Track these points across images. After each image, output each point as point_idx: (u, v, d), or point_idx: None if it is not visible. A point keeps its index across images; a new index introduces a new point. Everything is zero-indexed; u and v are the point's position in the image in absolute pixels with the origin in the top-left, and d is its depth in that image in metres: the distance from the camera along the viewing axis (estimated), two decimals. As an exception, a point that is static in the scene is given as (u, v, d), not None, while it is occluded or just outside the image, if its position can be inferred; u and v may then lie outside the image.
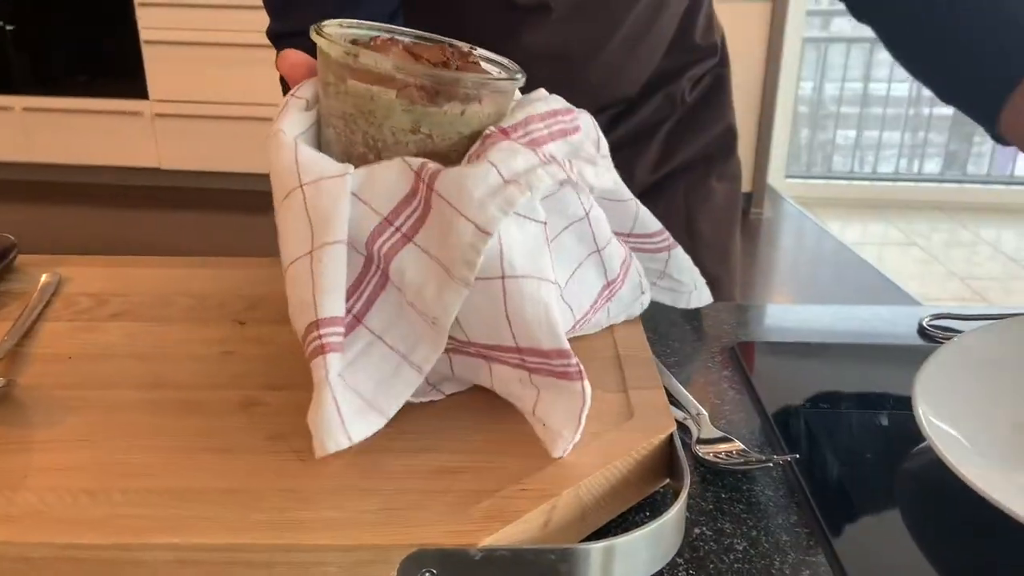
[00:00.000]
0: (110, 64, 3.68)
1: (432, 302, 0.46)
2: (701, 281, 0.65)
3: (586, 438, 0.47)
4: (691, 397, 0.57)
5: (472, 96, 0.48)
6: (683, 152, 0.88)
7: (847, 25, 4.13)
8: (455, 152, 0.49)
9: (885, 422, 0.56)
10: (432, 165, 0.46)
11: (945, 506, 0.48)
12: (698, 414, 0.56)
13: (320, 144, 0.51)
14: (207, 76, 3.54)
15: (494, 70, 0.53)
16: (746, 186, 3.74)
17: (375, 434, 0.46)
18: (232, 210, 3.61)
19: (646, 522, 0.43)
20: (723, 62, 0.88)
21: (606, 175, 0.53)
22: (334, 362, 0.46)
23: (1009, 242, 3.64)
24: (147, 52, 3.57)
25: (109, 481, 0.44)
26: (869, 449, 0.53)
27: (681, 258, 0.62)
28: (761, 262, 3.34)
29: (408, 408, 0.48)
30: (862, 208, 3.96)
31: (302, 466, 0.45)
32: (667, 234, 0.60)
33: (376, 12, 0.69)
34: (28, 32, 3.67)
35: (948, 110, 4.27)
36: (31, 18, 3.66)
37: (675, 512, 0.43)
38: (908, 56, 0.71)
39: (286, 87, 0.55)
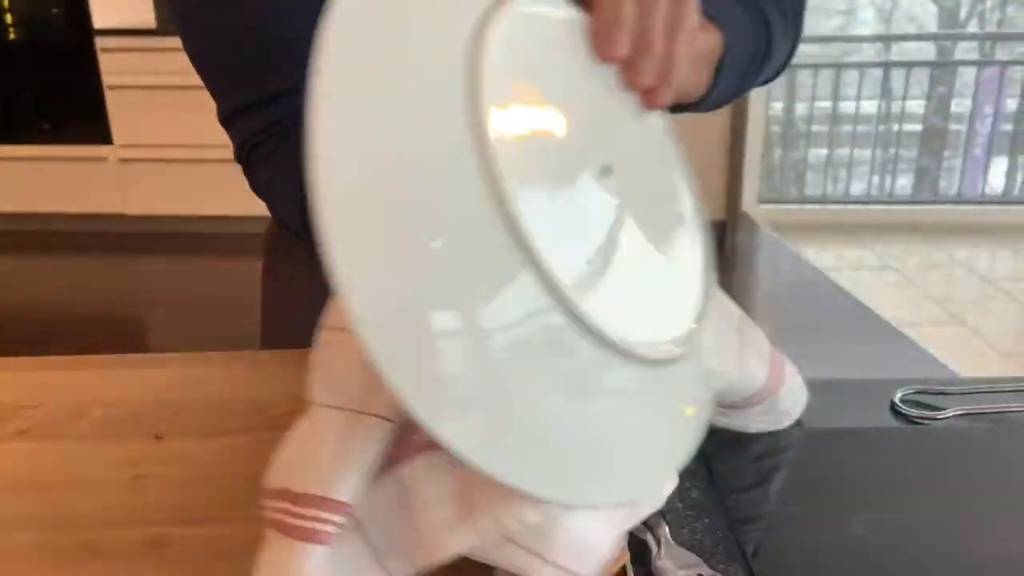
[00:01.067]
0: (73, 110, 3.63)
1: (436, 530, 0.38)
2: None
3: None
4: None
5: None
6: None
7: (815, 48, 4.15)
8: None
9: (861, 529, 0.52)
10: None
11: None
12: (658, 527, 0.51)
13: None
14: (171, 119, 3.49)
15: None
16: (720, 214, 3.73)
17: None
18: (201, 253, 3.55)
19: None
20: None
21: None
22: (315, 557, 0.38)
23: (982, 263, 3.64)
24: (110, 97, 3.52)
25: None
26: (843, 567, 0.49)
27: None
28: (737, 291, 3.31)
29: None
30: (837, 232, 3.95)
31: None
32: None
33: None
34: (-11, 80, 3.62)
35: (917, 126, 4.29)
36: (-8, 66, 3.61)
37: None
38: None
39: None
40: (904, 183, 4.30)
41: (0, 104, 3.66)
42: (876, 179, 4.29)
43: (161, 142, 3.55)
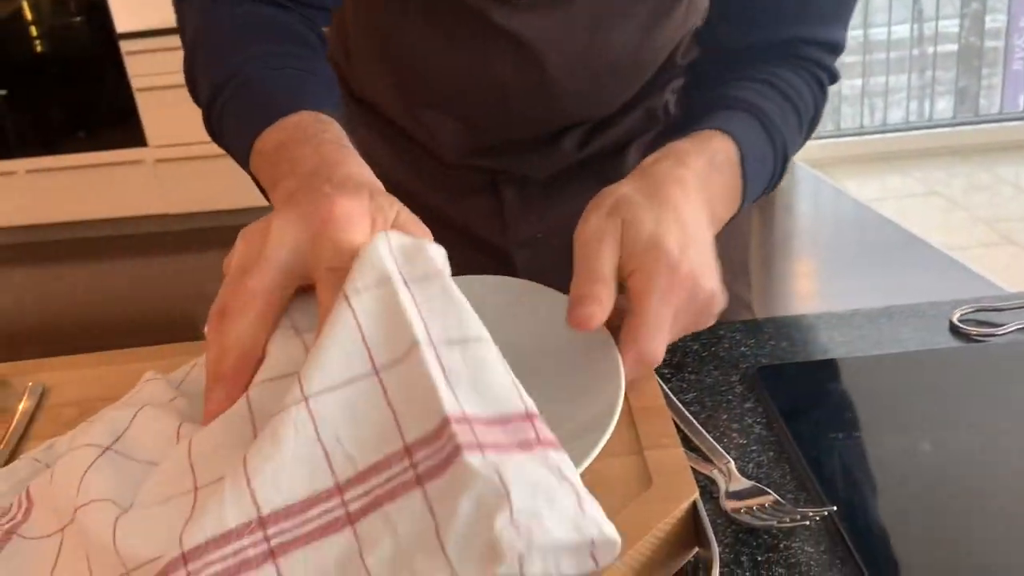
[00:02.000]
0: (106, 116, 3.68)
1: None
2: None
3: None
4: (716, 444, 0.53)
5: None
6: None
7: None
8: None
9: (927, 446, 0.52)
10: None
11: (1012, 551, 0.44)
12: (725, 463, 0.52)
13: None
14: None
15: None
16: (756, 155, 3.67)
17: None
18: (244, 246, 3.59)
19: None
20: None
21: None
22: None
23: (1031, 179, 3.55)
24: (140, 99, 3.56)
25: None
26: (913, 485, 0.49)
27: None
28: (780, 233, 3.28)
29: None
30: (877, 162, 3.88)
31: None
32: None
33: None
34: (22, 95, 3.68)
35: (953, 46, 4.17)
36: (24, 81, 3.67)
37: (707, 601, 0.39)
38: None
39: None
40: (943, 106, 4.18)
41: (35, 116, 3.73)
42: (914, 105, 4.18)
43: (195, 139, 3.59)
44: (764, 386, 0.60)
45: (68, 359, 0.67)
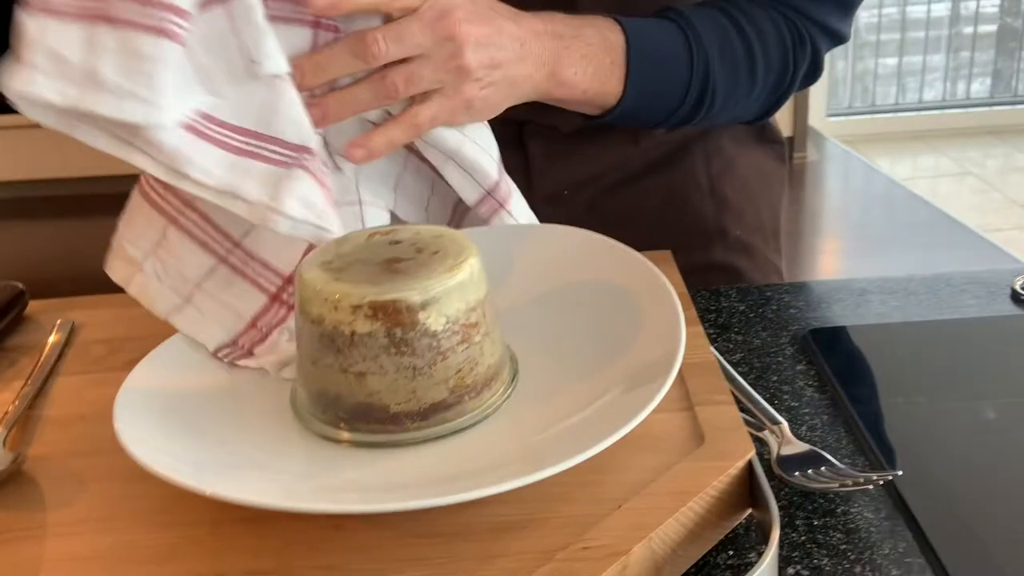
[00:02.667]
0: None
1: None
2: None
3: (651, 473, 0.41)
4: (766, 404, 0.51)
5: None
6: None
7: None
8: None
9: (992, 414, 0.49)
10: None
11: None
12: (778, 425, 0.50)
13: None
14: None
15: None
16: (787, 130, 3.61)
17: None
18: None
19: (729, 563, 0.37)
20: None
21: None
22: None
23: (1069, 162, 3.48)
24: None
25: (132, 569, 0.40)
26: (978, 451, 0.47)
27: None
28: (809, 208, 3.22)
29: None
30: (910, 141, 3.80)
31: (339, 536, 0.40)
32: None
33: None
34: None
35: (992, 27, 4.08)
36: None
37: (768, 562, 0.37)
38: None
39: None
40: (978, 88, 4.09)
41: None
42: (948, 85, 4.10)
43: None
44: (817, 349, 0.57)
45: (97, 298, 0.66)
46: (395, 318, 0.43)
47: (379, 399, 0.44)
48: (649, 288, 0.50)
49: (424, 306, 0.44)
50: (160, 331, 0.58)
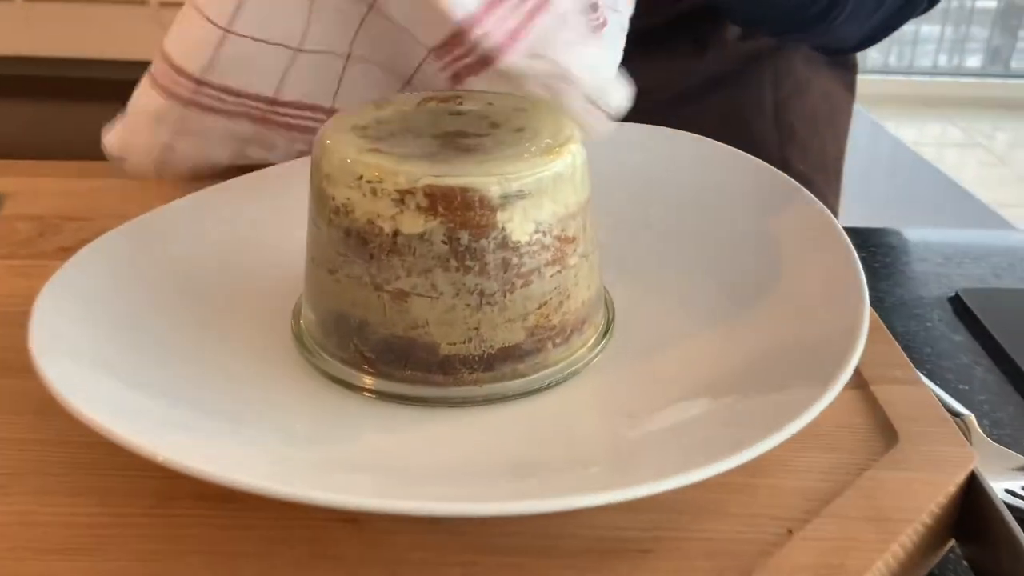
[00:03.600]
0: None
1: None
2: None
3: (824, 481, 0.28)
4: (937, 389, 0.37)
5: None
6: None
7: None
8: None
9: None
10: None
11: None
12: (958, 417, 0.36)
13: None
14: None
15: None
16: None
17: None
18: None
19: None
20: None
21: None
22: None
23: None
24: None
25: (26, 559, 0.25)
26: None
27: None
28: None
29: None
30: (918, 106, 3.67)
31: (352, 536, 0.26)
32: None
33: None
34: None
35: (992, 2, 3.93)
36: None
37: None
38: None
39: None
40: (973, 63, 3.95)
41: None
42: (944, 58, 3.95)
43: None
44: (977, 314, 0.44)
45: (30, 164, 0.51)
46: (461, 215, 0.29)
47: (425, 334, 0.30)
48: (807, 225, 0.36)
49: (505, 202, 0.29)
50: (113, 211, 0.43)
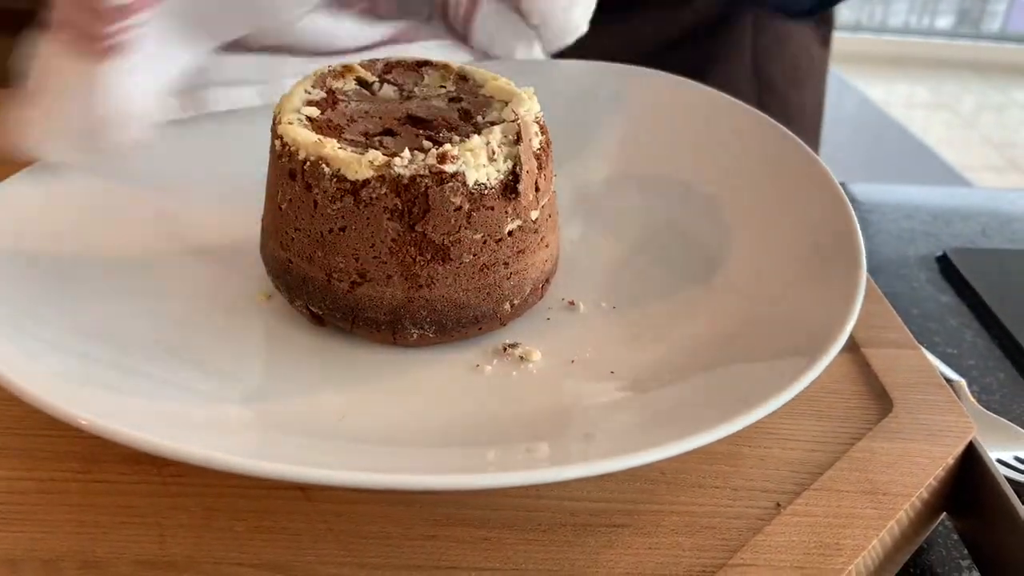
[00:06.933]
0: None
1: None
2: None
3: (814, 451, 0.26)
4: (927, 353, 0.36)
5: None
6: None
7: None
8: None
9: None
10: None
11: None
12: (949, 383, 0.34)
13: None
14: None
15: None
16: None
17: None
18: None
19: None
20: None
21: None
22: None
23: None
24: None
25: None
26: None
27: None
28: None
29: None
30: (885, 66, 3.66)
31: (305, 509, 0.24)
32: None
33: None
34: None
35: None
36: None
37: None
38: None
39: None
40: (943, 24, 3.95)
41: None
42: (913, 18, 3.93)
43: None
44: (963, 274, 0.42)
45: None
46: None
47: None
48: (800, 170, 0.34)
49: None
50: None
